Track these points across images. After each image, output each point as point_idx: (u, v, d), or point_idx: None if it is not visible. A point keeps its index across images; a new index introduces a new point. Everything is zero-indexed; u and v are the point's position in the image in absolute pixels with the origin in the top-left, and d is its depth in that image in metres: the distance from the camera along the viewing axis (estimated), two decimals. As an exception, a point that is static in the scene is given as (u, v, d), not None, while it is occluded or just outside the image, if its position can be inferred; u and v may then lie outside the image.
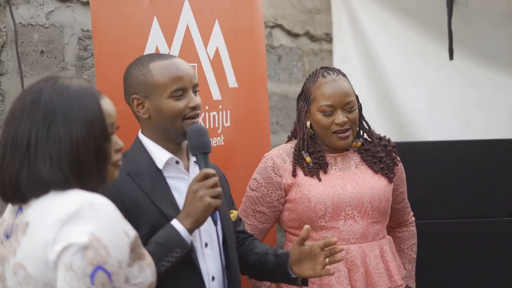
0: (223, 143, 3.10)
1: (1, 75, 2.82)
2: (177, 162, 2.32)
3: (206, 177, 2.21)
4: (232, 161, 3.14)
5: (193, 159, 2.35)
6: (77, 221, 1.64)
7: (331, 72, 2.82)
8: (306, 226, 2.30)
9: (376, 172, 2.84)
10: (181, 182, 2.32)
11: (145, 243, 2.17)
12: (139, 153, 2.32)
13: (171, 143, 2.32)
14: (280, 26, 4.39)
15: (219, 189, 2.22)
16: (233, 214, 2.45)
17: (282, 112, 4.38)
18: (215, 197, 2.20)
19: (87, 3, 3.08)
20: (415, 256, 3.04)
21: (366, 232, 2.77)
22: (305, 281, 2.44)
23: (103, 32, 2.60)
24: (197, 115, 2.31)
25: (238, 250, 2.53)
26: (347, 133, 2.76)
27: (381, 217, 2.82)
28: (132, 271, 1.71)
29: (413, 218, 3.09)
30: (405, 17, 4.21)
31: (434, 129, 4.22)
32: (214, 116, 3.06)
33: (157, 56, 2.35)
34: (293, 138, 2.92)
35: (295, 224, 2.79)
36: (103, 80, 2.60)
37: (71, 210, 1.65)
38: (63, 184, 1.71)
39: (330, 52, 4.62)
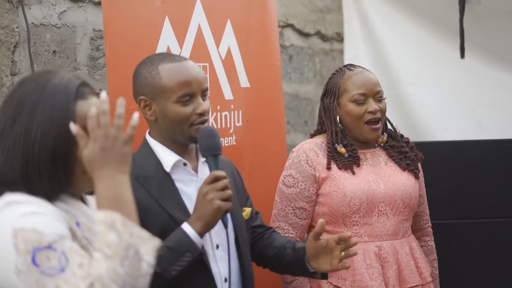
0: (235, 143, 3.08)
1: (14, 75, 2.81)
2: (184, 164, 2.28)
3: (216, 179, 2.16)
4: (244, 161, 3.11)
5: (202, 159, 2.30)
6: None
7: (356, 66, 2.85)
8: (321, 220, 2.26)
9: (404, 169, 2.82)
10: (190, 184, 2.28)
11: None
12: (146, 156, 2.27)
13: (179, 145, 2.28)
14: (291, 26, 4.36)
15: (229, 192, 2.16)
16: (246, 212, 2.40)
17: (293, 111, 4.35)
18: (225, 199, 2.15)
19: (99, 3, 3.06)
20: (436, 272, 2.98)
21: (397, 229, 2.75)
22: (324, 275, 2.39)
23: (114, 32, 2.57)
24: (205, 121, 2.25)
25: (257, 244, 2.50)
26: (378, 125, 2.76)
27: (410, 215, 2.82)
28: None
29: (431, 230, 3.03)
30: (416, 16, 4.17)
31: (446, 128, 4.17)
32: (225, 116, 3.03)
33: (167, 57, 2.28)
34: (317, 134, 2.89)
35: (326, 219, 2.73)
36: (115, 80, 2.57)
37: None
38: (9, 185, 1.61)
39: (341, 52, 4.58)
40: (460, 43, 3.87)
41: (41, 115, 1.61)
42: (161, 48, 2.71)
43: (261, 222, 2.58)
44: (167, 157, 2.26)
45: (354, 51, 4.27)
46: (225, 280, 2.26)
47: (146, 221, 2.12)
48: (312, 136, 2.91)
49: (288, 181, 2.76)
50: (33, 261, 1.52)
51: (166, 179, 2.24)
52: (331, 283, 2.72)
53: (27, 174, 1.61)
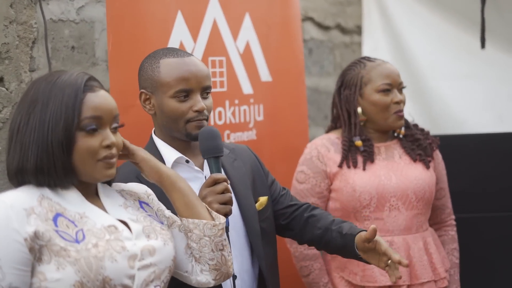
0: (255, 138, 2.99)
1: (33, 71, 2.73)
2: (187, 161, 2.18)
3: (216, 182, 2.06)
4: (265, 156, 3.00)
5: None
6: None
7: (376, 58, 2.77)
8: (372, 226, 2.11)
9: (415, 160, 2.72)
10: (195, 181, 2.17)
11: None
12: (151, 152, 2.12)
13: (179, 141, 2.20)
14: (310, 19, 4.26)
15: (228, 195, 2.06)
16: (259, 202, 2.27)
17: (313, 105, 4.25)
18: (224, 203, 2.04)
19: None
20: (457, 261, 2.87)
21: (410, 224, 2.66)
22: None
23: (118, 28, 2.49)
24: (203, 119, 2.16)
25: (294, 224, 2.37)
26: (403, 112, 2.71)
27: (425, 209, 2.72)
28: (48, 268, 1.61)
29: (454, 222, 2.92)
30: (436, 8, 4.04)
31: (466, 121, 4.04)
32: (244, 110, 2.94)
33: (171, 52, 2.20)
34: (331, 130, 2.81)
35: (338, 214, 2.67)
36: (117, 77, 2.49)
37: None
38: (24, 175, 1.68)
39: (361, 45, 4.47)
40: (480, 33, 3.72)
41: (52, 108, 1.68)
42: (173, 43, 2.62)
43: (291, 201, 2.43)
44: (169, 154, 2.18)
45: (374, 44, 4.15)
46: (234, 277, 2.15)
47: None
48: (327, 132, 2.82)
49: (300, 177, 2.71)
50: None
51: None
52: (343, 277, 2.67)
53: (41, 164, 1.67)
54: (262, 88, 3.05)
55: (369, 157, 2.68)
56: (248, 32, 2.97)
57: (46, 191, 1.69)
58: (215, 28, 2.81)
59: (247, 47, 2.97)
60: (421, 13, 4.05)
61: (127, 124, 1.85)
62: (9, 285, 1.59)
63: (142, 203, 1.89)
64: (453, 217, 2.92)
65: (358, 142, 2.69)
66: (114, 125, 1.75)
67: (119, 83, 2.47)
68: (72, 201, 1.71)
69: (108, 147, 1.71)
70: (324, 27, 4.36)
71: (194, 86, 2.14)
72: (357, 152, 2.69)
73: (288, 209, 2.39)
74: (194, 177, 2.18)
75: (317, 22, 4.30)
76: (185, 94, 2.14)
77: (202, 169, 2.21)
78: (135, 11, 2.55)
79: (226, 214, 2.05)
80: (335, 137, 2.74)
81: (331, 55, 4.43)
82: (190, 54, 2.22)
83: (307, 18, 4.23)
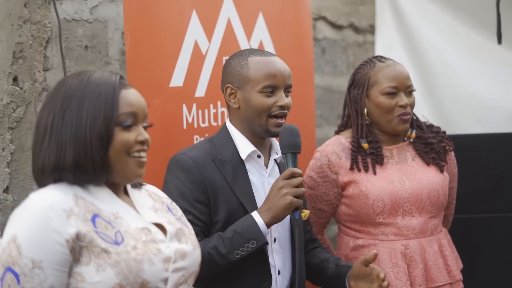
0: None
1: (46, 70, 2.70)
2: (259, 156, 2.32)
3: (293, 175, 2.20)
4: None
5: (273, 157, 2.36)
6: (11, 221, 1.60)
7: (387, 58, 2.69)
8: (374, 252, 2.20)
9: (428, 163, 2.66)
10: (258, 176, 2.32)
11: (222, 228, 2.23)
12: (225, 141, 2.32)
13: (256, 136, 2.32)
14: (323, 18, 4.20)
15: (302, 189, 2.20)
16: (304, 214, 2.33)
17: (327, 105, 4.19)
18: (298, 196, 2.18)
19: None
20: None
21: (425, 227, 2.60)
22: None
23: (135, 27, 2.50)
24: (284, 115, 2.30)
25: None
26: (408, 116, 2.61)
27: (439, 212, 2.66)
28: (88, 269, 1.58)
29: (451, 218, 2.89)
30: (449, 6, 3.96)
31: (477, 120, 3.98)
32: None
33: (257, 51, 2.36)
34: (342, 128, 2.75)
35: (351, 219, 2.63)
36: (134, 76, 2.49)
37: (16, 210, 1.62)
38: (61, 173, 1.64)
39: (374, 44, 4.40)
40: (497, 28, 3.63)
41: (89, 104, 1.65)
42: (188, 43, 2.63)
43: (311, 229, 2.58)
44: (245, 146, 2.31)
45: (387, 43, 4.08)
46: (279, 272, 2.31)
47: (217, 201, 2.25)
48: (338, 131, 2.75)
49: (309, 182, 2.66)
50: (2, 279, 1.55)
51: (240, 166, 2.29)
52: None
53: (79, 160, 1.64)
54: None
55: (378, 161, 2.60)
56: (261, 31, 2.95)
57: (78, 190, 1.66)
58: (229, 28, 2.81)
59: (261, 47, 2.95)
60: (434, 12, 3.98)
61: (149, 121, 1.83)
62: (51, 287, 1.56)
63: (168, 206, 1.87)
64: (453, 212, 2.89)
65: (365, 145, 2.63)
66: (144, 124, 1.74)
67: (136, 82, 2.47)
68: (104, 199, 1.68)
69: (142, 143, 1.70)
70: (337, 26, 4.29)
71: (279, 83, 2.29)
72: (367, 155, 2.62)
73: (307, 235, 2.51)
74: (259, 173, 2.33)
75: (330, 21, 4.24)
76: (271, 90, 2.28)
77: (267, 167, 2.34)
78: (151, 10, 2.56)
79: (297, 208, 2.19)
80: (345, 139, 2.68)
81: (344, 55, 4.37)
82: (274, 54, 2.38)
83: (320, 17, 4.17)
